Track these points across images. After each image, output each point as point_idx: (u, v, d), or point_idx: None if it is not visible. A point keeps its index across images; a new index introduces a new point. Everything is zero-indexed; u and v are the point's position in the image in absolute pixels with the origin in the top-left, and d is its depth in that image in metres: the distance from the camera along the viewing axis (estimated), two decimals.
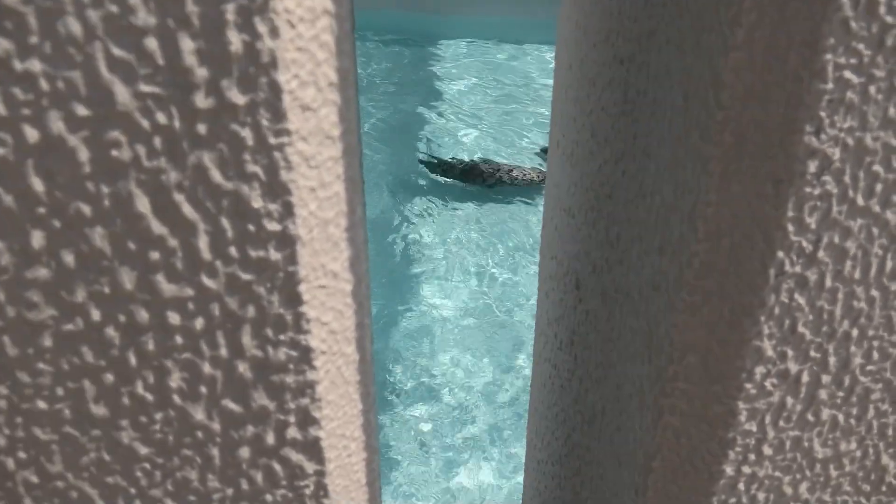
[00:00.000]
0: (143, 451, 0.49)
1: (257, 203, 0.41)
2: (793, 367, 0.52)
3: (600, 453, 0.73)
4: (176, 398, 0.47)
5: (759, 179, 0.46)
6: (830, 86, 0.42)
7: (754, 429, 0.54)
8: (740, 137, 0.46)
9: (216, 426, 0.49)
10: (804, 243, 0.47)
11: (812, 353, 0.52)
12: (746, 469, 0.56)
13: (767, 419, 0.54)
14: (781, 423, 0.54)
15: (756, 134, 0.45)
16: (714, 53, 0.45)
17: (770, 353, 0.51)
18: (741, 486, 0.57)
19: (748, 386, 0.52)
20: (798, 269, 0.48)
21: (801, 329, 0.50)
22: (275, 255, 0.43)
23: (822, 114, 0.43)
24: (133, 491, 0.51)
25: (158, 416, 0.48)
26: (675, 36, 0.51)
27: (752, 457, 0.56)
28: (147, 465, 0.50)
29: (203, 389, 0.47)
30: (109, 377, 0.46)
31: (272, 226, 0.42)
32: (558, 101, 0.82)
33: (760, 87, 0.44)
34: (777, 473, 0.57)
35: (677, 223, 0.52)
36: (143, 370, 0.46)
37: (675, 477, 0.60)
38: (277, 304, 0.45)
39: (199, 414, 0.48)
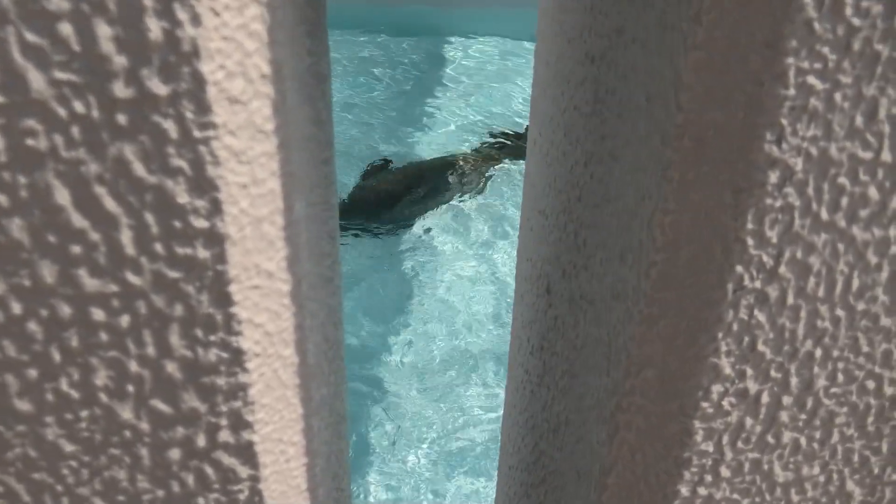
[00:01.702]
0: (69, 448, 0.47)
1: (183, 199, 0.39)
2: (752, 387, 0.50)
3: (563, 463, 0.71)
4: (102, 396, 0.45)
5: (719, 188, 0.44)
6: (792, 91, 0.40)
7: (711, 449, 0.52)
8: (700, 142, 0.43)
9: (145, 426, 0.47)
10: (765, 258, 0.45)
11: (772, 373, 0.49)
12: (702, 490, 0.54)
13: (725, 439, 0.52)
14: (740, 444, 0.52)
15: (716, 139, 0.43)
16: (675, 52, 0.43)
17: (728, 371, 0.49)
18: None
19: (705, 405, 0.50)
20: (758, 284, 0.46)
21: (760, 347, 0.48)
22: (203, 254, 0.41)
23: (784, 121, 0.41)
24: (60, 488, 0.49)
25: (84, 413, 0.46)
26: (641, 33, 0.49)
27: (708, 478, 0.54)
28: (73, 463, 0.48)
29: (130, 388, 0.45)
30: (33, 372, 0.44)
31: (199, 223, 0.40)
32: (537, 99, 0.80)
33: (720, 89, 0.42)
34: (735, 496, 0.55)
35: (637, 230, 0.50)
36: (67, 367, 0.44)
37: (630, 495, 0.58)
38: (207, 303, 0.43)
39: (126, 413, 0.46)
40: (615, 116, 0.54)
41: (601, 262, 0.58)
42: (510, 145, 4.41)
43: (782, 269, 0.45)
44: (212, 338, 0.44)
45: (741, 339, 0.48)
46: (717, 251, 0.45)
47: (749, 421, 0.51)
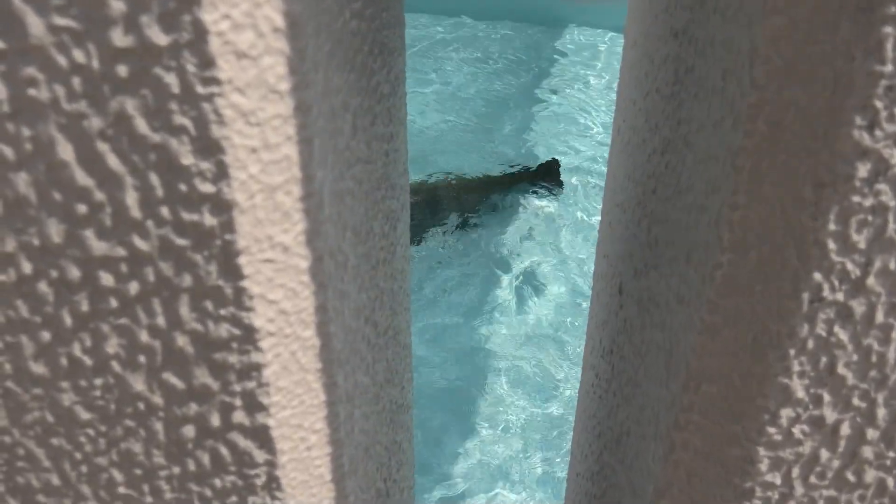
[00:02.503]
0: (85, 415, 0.46)
1: (187, 160, 0.37)
2: (829, 415, 0.43)
3: (622, 477, 0.65)
4: (115, 365, 0.44)
5: (797, 181, 0.37)
6: (890, 68, 0.33)
7: (778, 481, 0.45)
8: (776, 126, 0.37)
9: (158, 399, 0.45)
10: (849, 265, 0.38)
11: (855, 402, 0.42)
12: None
13: (795, 472, 0.45)
14: (813, 479, 0.45)
15: (795, 123, 0.37)
16: (753, 18, 0.37)
17: (800, 394, 0.42)
18: None
19: (771, 430, 0.43)
20: (840, 296, 0.39)
21: (841, 370, 0.41)
22: (209, 221, 0.38)
23: (878, 103, 0.34)
24: (78, 456, 0.48)
25: (98, 381, 0.44)
26: (721, 1, 0.43)
27: None
28: (90, 431, 0.47)
29: (142, 359, 0.43)
30: (46, 335, 0.43)
31: (205, 187, 0.37)
32: (623, 83, 0.74)
33: (803, 63, 0.35)
34: None
35: (704, 227, 0.44)
36: (79, 331, 0.42)
37: None
38: (215, 275, 0.40)
39: (139, 384, 0.44)
40: (692, 98, 0.48)
41: (669, 262, 0.52)
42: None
43: (871, 281, 0.38)
44: (222, 312, 0.41)
45: (817, 359, 0.41)
46: (793, 255, 0.39)
47: (825, 454, 0.44)
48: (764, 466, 0.45)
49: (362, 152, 0.53)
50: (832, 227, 0.37)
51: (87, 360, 0.44)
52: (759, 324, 0.41)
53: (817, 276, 0.38)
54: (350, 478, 0.54)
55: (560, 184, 3.58)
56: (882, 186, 0.36)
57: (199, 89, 0.35)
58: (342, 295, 0.48)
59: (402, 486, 0.92)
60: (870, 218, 0.37)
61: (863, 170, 0.35)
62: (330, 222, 0.44)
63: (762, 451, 0.44)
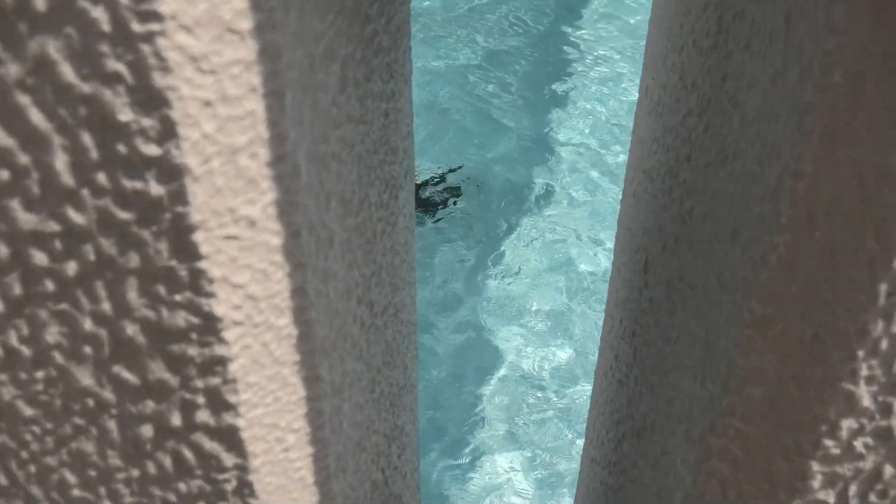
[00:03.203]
0: (28, 411, 0.40)
1: (125, 115, 0.30)
2: None
3: (645, 474, 0.59)
4: (56, 356, 0.37)
5: (881, 144, 0.30)
6: None
7: (832, 500, 0.39)
8: (858, 78, 0.30)
9: (109, 395, 0.38)
10: None
11: None
12: None
13: (853, 490, 0.38)
14: (873, 497, 0.39)
15: (882, 73, 0.29)
16: None
17: (867, 402, 0.35)
18: None
19: (829, 443, 0.37)
20: None
21: None
22: (156, 190, 0.32)
23: None
24: (25, 455, 0.42)
25: (39, 374, 0.38)
26: None
27: None
28: (36, 429, 0.40)
29: (87, 350, 0.37)
30: None
31: (148, 149, 0.31)
32: (651, 39, 0.66)
33: None
34: None
35: (758, 200, 0.37)
36: (13, 318, 0.36)
37: None
38: (167, 254, 0.33)
39: (86, 378, 0.38)
40: (741, 49, 0.41)
41: (708, 239, 0.45)
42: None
43: None
44: (177, 297, 0.35)
45: (890, 363, 0.34)
46: (870, 236, 0.31)
47: (890, 471, 0.38)
48: (816, 483, 0.38)
49: (354, 110, 0.46)
50: None
51: (25, 350, 0.37)
52: (823, 318, 0.34)
53: None
54: (338, 478, 0.48)
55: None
56: None
57: (136, 27, 0.28)
58: (326, 275, 0.41)
59: (405, 471, 0.86)
60: None
61: None
62: (308, 191, 0.37)
63: (816, 466, 0.38)
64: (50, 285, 0.35)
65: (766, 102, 0.36)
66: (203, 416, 0.39)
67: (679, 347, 0.50)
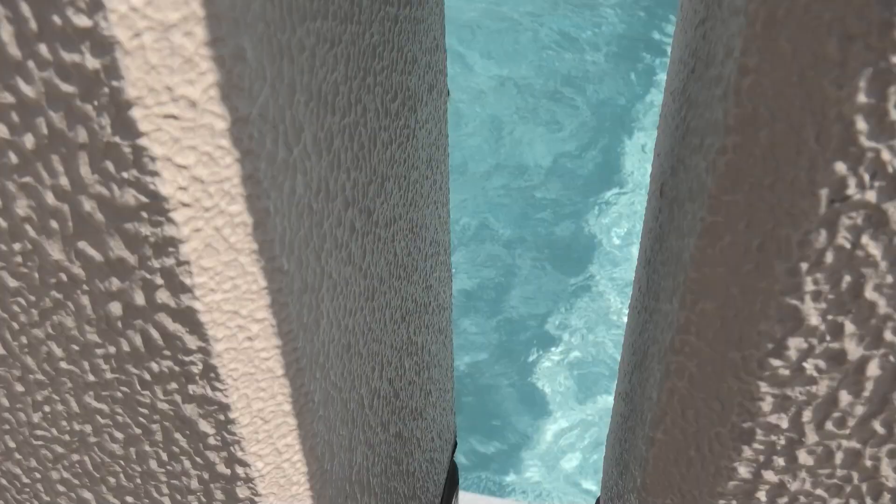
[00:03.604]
0: (13, 283, 0.42)
1: None
2: (853, 350, 0.34)
3: (639, 402, 0.58)
4: (28, 229, 0.39)
5: (819, 30, 0.27)
6: None
7: (784, 424, 0.37)
8: None
9: (79, 271, 0.40)
10: (886, 154, 0.28)
11: (888, 336, 0.33)
12: (770, 476, 0.39)
13: (807, 416, 0.37)
14: (830, 426, 0.37)
15: None
16: None
17: (814, 321, 0.33)
18: (761, 496, 0.40)
19: (776, 363, 0.35)
20: (871, 196, 0.29)
21: (870, 294, 0.32)
22: (91, 63, 0.32)
23: None
24: (15, 325, 0.45)
25: (16, 246, 0.40)
26: None
27: (779, 462, 0.39)
28: (21, 301, 0.43)
29: (54, 224, 0.39)
30: None
31: (80, 20, 0.31)
32: None
33: None
34: (819, 492, 0.39)
35: (718, 103, 0.35)
36: None
37: (679, 459, 0.44)
38: (110, 129, 0.34)
39: (56, 252, 0.40)
40: None
41: (691, 152, 0.43)
42: None
43: None
44: (125, 175, 0.36)
45: (838, 278, 0.32)
46: (810, 136, 0.29)
47: (846, 397, 0.35)
48: (766, 405, 0.36)
49: (338, 7, 0.46)
50: (863, 98, 0.27)
51: (2, 222, 0.40)
52: (765, 227, 0.32)
53: (840, 166, 0.29)
54: (314, 374, 0.49)
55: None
56: None
57: None
58: (289, 167, 0.42)
59: (428, 389, 0.87)
60: None
61: None
62: (262, 79, 0.37)
63: (764, 387, 0.36)
64: (13, 157, 0.37)
65: None
66: (163, 296, 0.40)
67: (666, 269, 0.48)
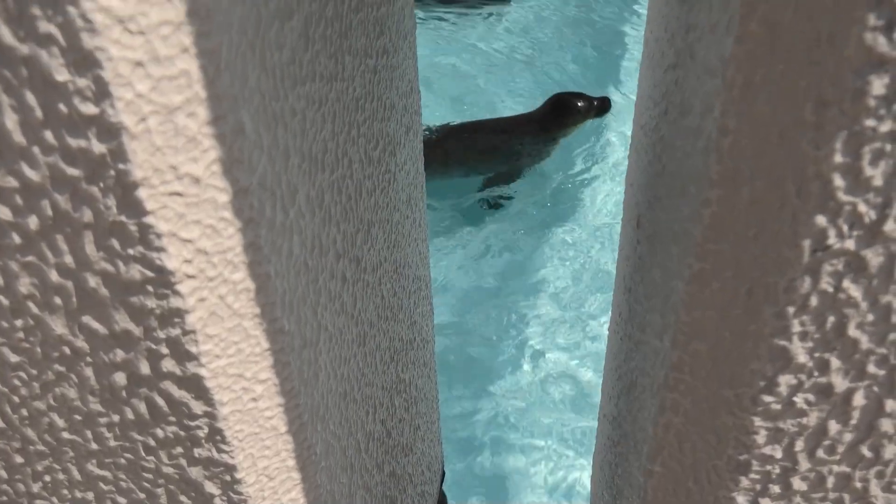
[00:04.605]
0: (14, 358, 0.42)
1: (62, 76, 0.31)
2: (839, 383, 0.36)
3: (630, 430, 0.60)
4: (31, 305, 0.40)
5: (796, 97, 0.30)
6: None
7: (778, 455, 0.39)
8: (773, 28, 0.29)
9: (82, 344, 0.41)
10: (862, 207, 0.30)
11: (871, 369, 0.35)
12: (767, 502, 0.41)
13: (799, 446, 0.38)
14: (821, 453, 0.39)
15: (796, 24, 0.29)
16: None
17: (802, 359, 0.35)
18: None
19: (768, 399, 0.37)
20: (850, 244, 0.31)
21: (852, 332, 0.34)
22: (98, 147, 0.33)
23: None
24: (16, 399, 0.45)
25: (18, 322, 0.41)
26: None
27: (775, 489, 0.40)
28: (23, 374, 0.43)
29: (57, 300, 0.39)
30: None
31: (86, 108, 0.32)
32: None
33: None
34: None
35: (699, 155, 0.36)
36: None
37: (677, 490, 0.46)
38: (116, 209, 0.35)
39: (59, 327, 0.40)
40: None
41: (670, 194, 0.45)
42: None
43: (890, 227, 0.31)
44: (130, 251, 0.37)
45: (823, 319, 0.34)
46: (791, 192, 0.31)
47: (835, 426, 0.37)
48: (761, 438, 0.38)
49: (324, 68, 0.47)
50: (839, 158, 0.29)
51: (4, 300, 0.40)
52: (753, 274, 0.34)
53: (821, 219, 0.31)
54: (315, 427, 0.50)
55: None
56: None
57: None
58: (286, 230, 0.43)
59: (417, 424, 0.88)
60: (888, 147, 0.29)
61: (878, 85, 0.27)
62: (257, 149, 0.38)
63: (758, 421, 0.38)
64: (16, 238, 0.37)
65: (708, 54, 0.35)
66: (168, 365, 0.41)
67: (652, 304, 0.50)
